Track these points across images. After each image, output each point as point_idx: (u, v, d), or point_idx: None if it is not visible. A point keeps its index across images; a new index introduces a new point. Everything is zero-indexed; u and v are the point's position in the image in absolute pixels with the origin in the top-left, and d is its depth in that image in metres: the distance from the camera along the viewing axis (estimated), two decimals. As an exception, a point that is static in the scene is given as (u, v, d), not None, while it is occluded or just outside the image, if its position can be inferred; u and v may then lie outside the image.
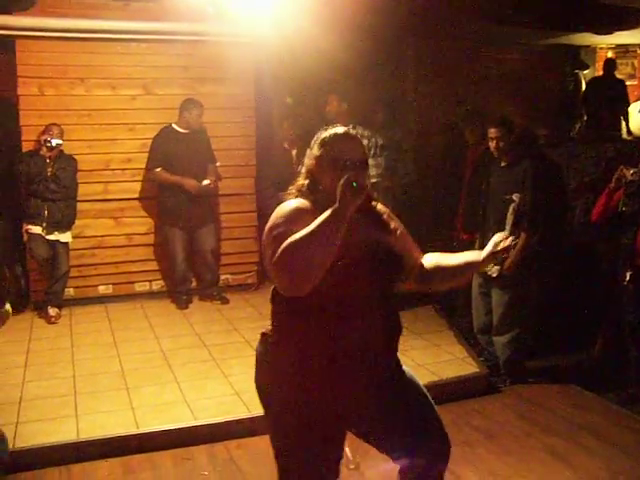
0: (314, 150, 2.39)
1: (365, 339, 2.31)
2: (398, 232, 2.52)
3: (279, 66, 6.73)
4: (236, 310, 6.58)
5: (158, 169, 6.48)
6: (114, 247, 6.80)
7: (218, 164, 6.77)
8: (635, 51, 9.36)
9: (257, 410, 4.25)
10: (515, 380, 5.10)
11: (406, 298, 6.39)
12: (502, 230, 4.70)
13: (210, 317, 6.37)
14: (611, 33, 7.78)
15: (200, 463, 3.92)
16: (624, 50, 9.37)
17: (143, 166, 6.72)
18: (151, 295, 6.91)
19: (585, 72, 9.08)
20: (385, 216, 2.52)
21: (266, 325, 2.45)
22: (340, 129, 2.42)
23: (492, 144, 4.94)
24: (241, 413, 4.32)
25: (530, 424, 4.46)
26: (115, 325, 6.12)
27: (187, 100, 6.52)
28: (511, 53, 8.37)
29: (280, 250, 2.05)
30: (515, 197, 4.74)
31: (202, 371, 5.02)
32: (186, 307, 6.63)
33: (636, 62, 9.45)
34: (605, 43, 9.03)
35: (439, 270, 2.57)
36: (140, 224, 6.87)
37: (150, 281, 6.97)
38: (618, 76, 8.93)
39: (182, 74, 6.80)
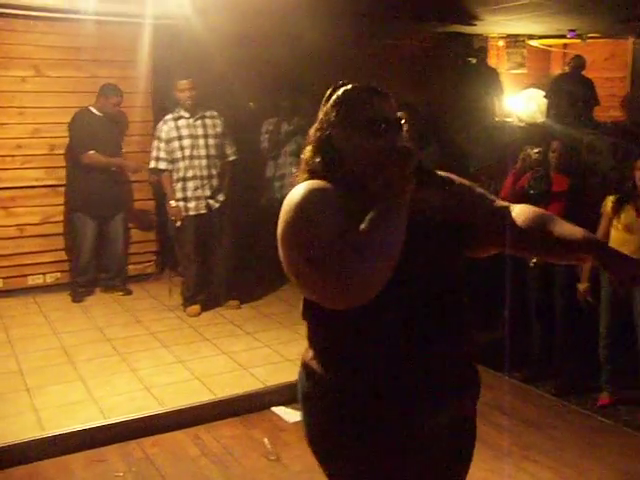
0: (328, 114, 1.85)
1: (433, 342, 1.80)
2: (460, 197, 1.93)
3: (179, 50, 6.54)
4: (137, 301, 6.37)
5: (91, 152, 6.14)
6: (4, 239, 6.40)
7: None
8: (524, 41, 9.70)
9: (171, 404, 4.22)
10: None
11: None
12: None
13: (111, 309, 6.13)
14: (474, 25, 8.02)
15: (113, 464, 3.74)
16: (514, 40, 9.69)
17: (35, 152, 6.38)
18: (46, 288, 6.56)
19: (473, 60, 9.31)
20: (439, 182, 1.90)
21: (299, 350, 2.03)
22: (361, 84, 1.88)
23: (399, 129, 4.99)
24: (154, 408, 4.19)
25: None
26: (8, 322, 5.77)
27: (106, 86, 6.24)
28: (408, 40, 8.49)
29: (326, 258, 1.56)
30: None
31: (108, 367, 4.82)
32: (84, 300, 6.34)
33: (525, 51, 9.80)
34: (494, 32, 9.30)
35: (534, 234, 1.92)
36: (33, 214, 6.50)
37: (44, 274, 6.61)
38: (504, 65, 9.30)
39: (76, 55, 6.47)
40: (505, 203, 2.04)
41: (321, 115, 1.89)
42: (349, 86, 1.88)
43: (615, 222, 4.49)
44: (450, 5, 7.34)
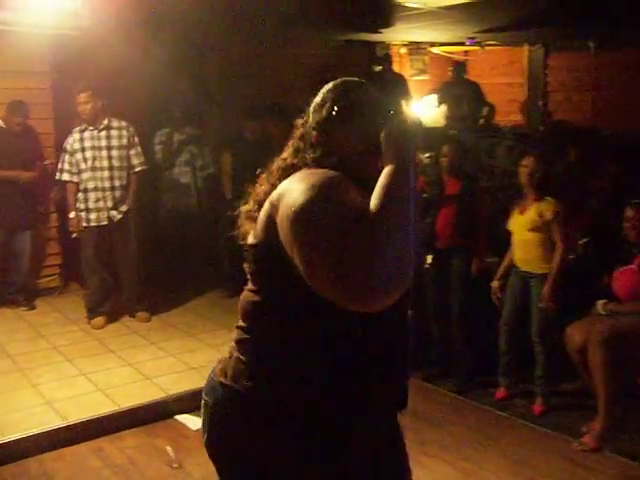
0: (324, 110, 1.77)
1: (390, 348, 1.78)
2: None
3: (79, 60, 6.45)
4: (41, 316, 6.24)
5: None
6: None
7: (47, 162, 6.45)
8: (425, 48, 9.96)
9: (73, 417, 4.18)
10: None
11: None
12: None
13: (13, 325, 5.99)
14: (380, 32, 8.22)
15: (11, 482, 3.69)
16: (415, 47, 9.93)
17: None
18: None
19: (378, 67, 9.50)
20: None
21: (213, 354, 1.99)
22: (350, 79, 1.85)
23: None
24: (55, 423, 4.13)
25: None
26: None
27: (13, 103, 6.14)
28: (313, 49, 8.59)
29: (352, 244, 1.36)
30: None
31: (7, 383, 4.72)
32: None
33: (427, 58, 10.06)
34: (397, 40, 9.51)
35: None
36: None
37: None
38: (407, 72, 9.53)
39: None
40: None
41: (313, 111, 1.81)
42: (344, 80, 1.83)
43: (512, 225, 4.71)
44: (355, 13, 7.50)
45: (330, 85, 1.82)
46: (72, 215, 5.78)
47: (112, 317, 6.00)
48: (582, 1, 6.81)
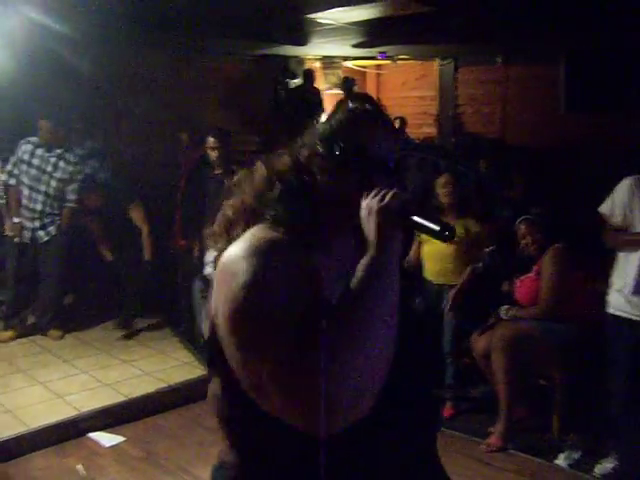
0: (313, 144, 1.43)
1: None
2: None
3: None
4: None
5: None
6: None
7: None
8: (339, 62, 10.12)
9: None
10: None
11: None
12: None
13: None
14: (305, 44, 8.35)
15: None
16: (329, 61, 10.08)
17: None
18: None
19: (295, 81, 9.60)
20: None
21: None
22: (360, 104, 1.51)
23: (212, 153, 5.08)
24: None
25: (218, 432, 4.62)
26: None
27: None
28: (226, 62, 8.63)
29: (300, 359, 1.12)
30: (232, 203, 4.94)
31: None
32: None
33: (340, 72, 10.22)
34: (311, 55, 9.65)
35: None
36: None
37: None
38: (321, 86, 9.65)
39: None
40: None
41: (305, 143, 1.46)
42: (355, 109, 1.50)
43: (425, 236, 4.77)
44: (272, 27, 7.59)
45: (338, 113, 1.49)
46: (16, 220, 5.75)
47: (23, 334, 5.87)
48: (490, 18, 7.08)
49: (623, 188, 3.77)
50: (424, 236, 4.71)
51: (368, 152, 1.39)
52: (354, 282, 1.21)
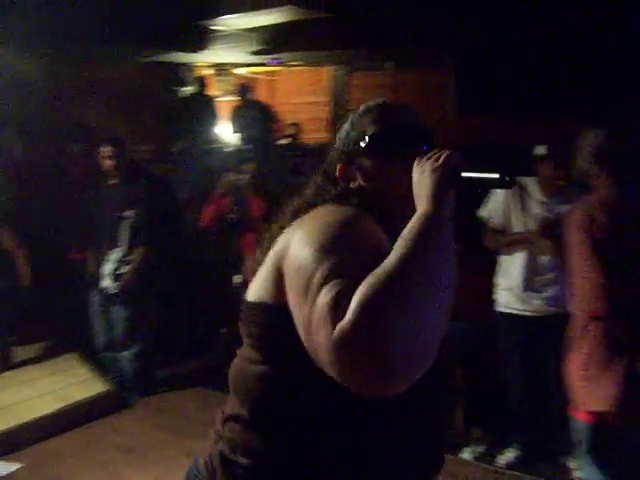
0: (351, 136, 1.52)
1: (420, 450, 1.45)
2: None
3: None
4: None
5: None
6: None
7: None
8: (231, 69, 10.06)
9: None
10: (146, 392, 5.20)
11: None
12: (116, 247, 4.83)
13: None
14: (197, 52, 8.27)
15: None
16: (222, 68, 10.01)
17: None
18: None
19: (186, 89, 9.49)
20: None
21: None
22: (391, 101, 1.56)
23: (107, 162, 4.96)
24: None
25: (167, 432, 4.60)
26: None
27: None
28: (115, 69, 8.43)
29: (353, 313, 1.06)
30: (130, 214, 4.86)
31: None
32: None
33: (233, 79, 10.17)
34: (202, 62, 9.56)
35: None
36: None
37: None
38: (212, 93, 9.60)
39: None
40: None
41: (340, 138, 1.57)
42: (383, 102, 1.55)
43: None
44: (162, 34, 7.46)
45: (365, 106, 1.55)
46: None
47: None
48: (382, 24, 7.21)
49: (499, 192, 3.93)
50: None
51: (400, 130, 1.46)
52: (404, 239, 1.16)
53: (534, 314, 3.87)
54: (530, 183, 3.93)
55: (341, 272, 1.14)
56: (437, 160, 1.32)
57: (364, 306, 1.05)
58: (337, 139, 1.58)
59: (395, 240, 1.19)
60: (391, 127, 1.46)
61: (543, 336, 3.84)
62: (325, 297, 1.11)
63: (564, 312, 3.84)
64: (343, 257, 1.17)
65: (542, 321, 3.84)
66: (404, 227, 1.21)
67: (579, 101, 6.70)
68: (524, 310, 3.88)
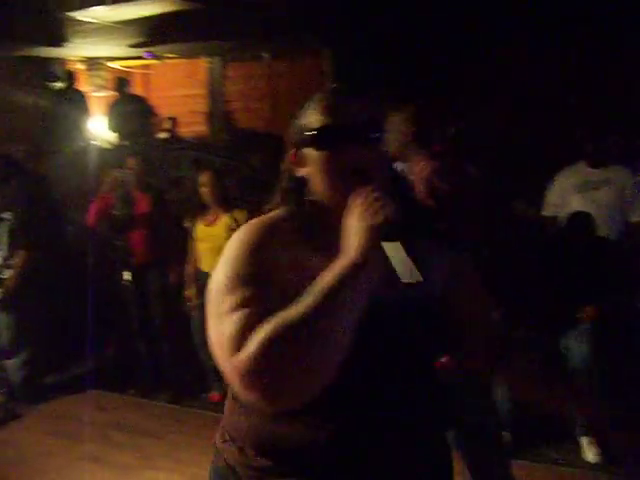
0: (297, 126, 1.46)
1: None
2: (465, 282, 1.54)
3: None
4: None
5: None
6: None
7: None
8: (104, 63, 9.82)
9: None
10: (34, 401, 5.03)
11: None
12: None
13: None
14: (64, 45, 8.02)
15: None
16: (94, 62, 9.75)
17: None
18: None
19: (58, 84, 9.17)
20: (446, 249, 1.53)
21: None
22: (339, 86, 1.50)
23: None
24: None
25: (62, 438, 4.48)
26: None
27: None
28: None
29: (251, 349, 1.19)
30: (8, 216, 4.70)
31: None
32: None
33: (106, 74, 9.92)
34: (74, 56, 9.27)
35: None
36: None
37: None
38: (85, 88, 9.34)
39: None
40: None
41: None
42: (337, 87, 1.50)
43: (200, 234, 4.79)
44: (28, 26, 7.18)
45: (318, 94, 1.47)
46: None
47: None
48: (255, 14, 7.23)
49: None
50: (200, 233, 4.72)
51: (339, 128, 1.38)
52: (319, 286, 1.22)
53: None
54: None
55: (246, 303, 1.26)
56: (376, 212, 1.27)
57: (262, 346, 1.17)
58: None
59: (330, 236, 1.32)
60: (330, 123, 1.39)
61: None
62: (231, 326, 1.24)
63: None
64: (249, 287, 1.29)
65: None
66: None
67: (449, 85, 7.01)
68: None
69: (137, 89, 10.23)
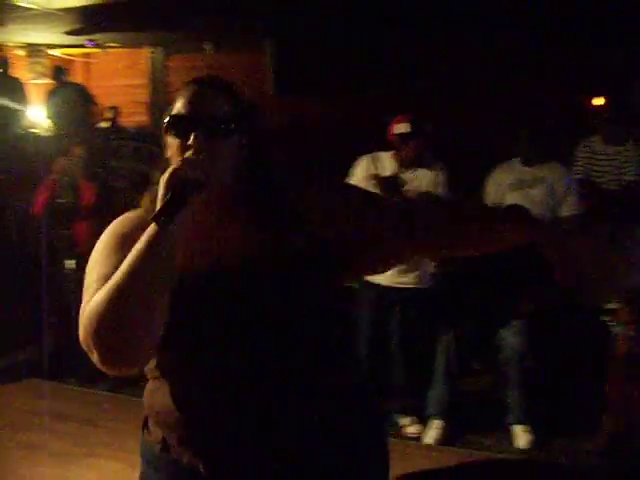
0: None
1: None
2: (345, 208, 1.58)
3: None
4: None
5: None
6: None
7: None
8: (44, 50, 9.68)
9: None
10: (-28, 389, 4.99)
11: None
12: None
13: None
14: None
15: None
16: (35, 49, 9.61)
17: None
18: None
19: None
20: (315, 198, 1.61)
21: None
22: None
23: None
24: None
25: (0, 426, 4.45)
26: None
27: None
28: None
29: (83, 317, 1.36)
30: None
31: None
32: None
33: (46, 61, 9.78)
34: (14, 42, 9.12)
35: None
36: None
37: None
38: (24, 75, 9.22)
39: None
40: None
41: None
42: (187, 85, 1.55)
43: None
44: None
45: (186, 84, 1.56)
46: None
47: None
48: (199, 5, 7.23)
49: (359, 165, 4.16)
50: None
51: (186, 117, 1.47)
52: (129, 256, 1.35)
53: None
54: (386, 156, 4.21)
55: (93, 282, 1.43)
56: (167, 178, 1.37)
57: (90, 312, 1.33)
58: None
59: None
60: (181, 112, 1.49)
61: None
62: (84, 300, 1.41)
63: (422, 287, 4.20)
64: (101, 267, 1.46)
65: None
66: None
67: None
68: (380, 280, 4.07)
69: (78, 77, 10.11)
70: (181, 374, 1.49)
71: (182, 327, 1.40)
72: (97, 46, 9.08)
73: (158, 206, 1.34)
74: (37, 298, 5.00)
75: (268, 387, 1.43)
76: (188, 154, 1.42)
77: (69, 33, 8.41)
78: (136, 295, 1.30)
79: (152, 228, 1.33)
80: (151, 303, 1.31)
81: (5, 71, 8.66)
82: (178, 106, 1.48)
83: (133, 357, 1.36)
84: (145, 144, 6.80)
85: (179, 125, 1.47)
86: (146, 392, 1.63)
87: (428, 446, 4.11)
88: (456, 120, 6.71)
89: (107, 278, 1.36)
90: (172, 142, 1.48)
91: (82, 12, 7.50)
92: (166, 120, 1.49)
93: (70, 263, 4.94)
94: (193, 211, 1.37)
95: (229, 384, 1.43)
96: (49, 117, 8.56)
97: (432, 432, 4.13)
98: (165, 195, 1.34)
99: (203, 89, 1.50)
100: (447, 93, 7.15)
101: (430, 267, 4.18)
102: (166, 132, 1.49)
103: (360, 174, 4.13)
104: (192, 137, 1.43)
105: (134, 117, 9.55)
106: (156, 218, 1.32)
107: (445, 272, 4.25)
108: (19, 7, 7.15)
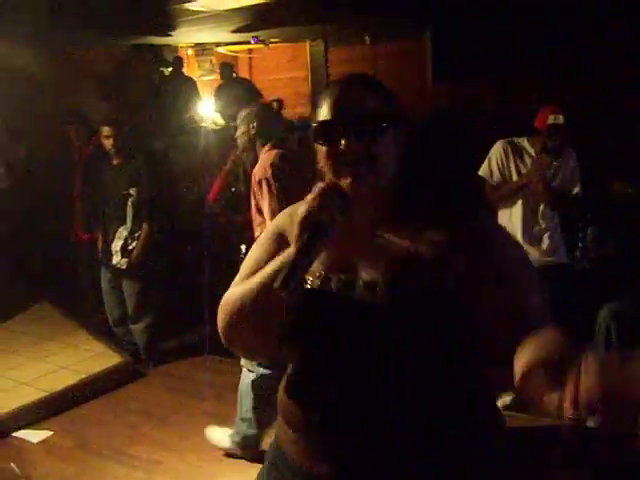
0: None
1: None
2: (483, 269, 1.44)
3: None
4: None
5: None
6: None
7: None
8: (212, 49, 10.20)
9: None
10: (157, 362, 5.44)
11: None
12: (123, 225, 5.03)
13: None
14: (170, 35, 8.39)
15: None
16: (202, 48, 10.15)
17: None
18: None
19: (169, 69, 9.60)
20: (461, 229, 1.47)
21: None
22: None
23: (107, 142, 5.13)
24: None
25: (181, 396, 4.87)
26: None
27: None
28: (99, 53, 8.53)
29: (223, 300, 1.56)
30: (133, 192, 5.06)
31: None
32: None
33: (214, 59, 10.31)
34: (184, 42, 9.69)
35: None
36: None
37: None
38: (195, 73, 9.77)
39: None
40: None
41: None
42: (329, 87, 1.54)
43: None
44: (142, 17, 7.56)
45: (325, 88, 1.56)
46: None
47: None
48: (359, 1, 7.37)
49: (497, 150, 4.26)
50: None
51: (331, 123, 1.45)
52: (267, 267, 1.48)
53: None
54: (524, 141, 4.27)
55: (243, 269, 1.60)
56: (313, 208, 1.37)
57: (223, 306, 1.54)
58: None
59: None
60: (327, 118, 1.45)
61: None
62: (234, 281, 1.60)
63: (560, 262, 4.19)
64: (255, 254, 1.60)
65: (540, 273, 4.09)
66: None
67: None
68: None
69: (242, 73, 10.57)
70: (320, 380, 1.50)
71: (326, 334, 1.46)
72: (261, 42, 9.44)
73: (292, 247, 1.38)
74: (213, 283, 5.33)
75: (405, 406, 1.42)
76: (322, 187, 1.41)
77: (235, 31, 8.81)
78: (268, 304, 1.43)
79: (287, 252, 1.43)
80: (278, 311, 1.44)
81: (178, 70, 9.26)
82: (323, 112, 1.44)
83: (263, 347, 1.59)
84: (309, 135, 7.03)
85: (328, 131, 1.43)
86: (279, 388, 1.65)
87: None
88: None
89: (253, 268, 1.53)
90: (322, 149, 1.45)
91: (246, 11, 7.85)
92: (314, 128, 1.46)
93: (244, 248, 5.25)
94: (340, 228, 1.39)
95: (373, 403, 1.42)
96: (218, 111, 9.05)
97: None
98: (300, 235, 1.36)
99: (346, 90, 1.45)
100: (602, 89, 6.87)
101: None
102: (315, 140, 1.46)
103: (495, 159, 4.26)
104: (343, 142, 1.39)
105: (297, 109, 9.87)
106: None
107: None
108: (190, 11, 7.60)
